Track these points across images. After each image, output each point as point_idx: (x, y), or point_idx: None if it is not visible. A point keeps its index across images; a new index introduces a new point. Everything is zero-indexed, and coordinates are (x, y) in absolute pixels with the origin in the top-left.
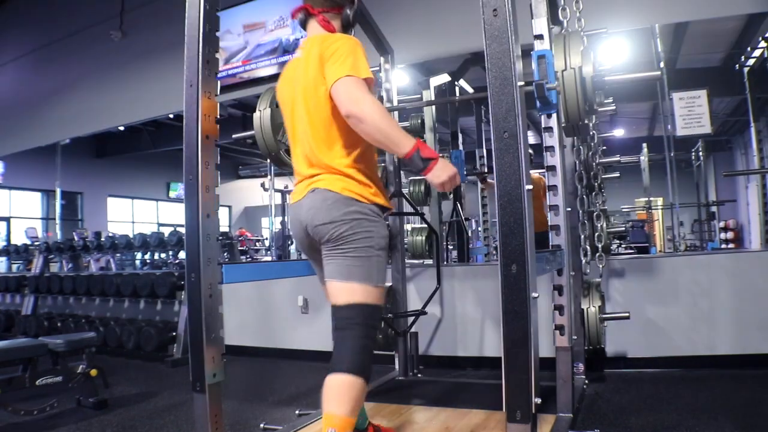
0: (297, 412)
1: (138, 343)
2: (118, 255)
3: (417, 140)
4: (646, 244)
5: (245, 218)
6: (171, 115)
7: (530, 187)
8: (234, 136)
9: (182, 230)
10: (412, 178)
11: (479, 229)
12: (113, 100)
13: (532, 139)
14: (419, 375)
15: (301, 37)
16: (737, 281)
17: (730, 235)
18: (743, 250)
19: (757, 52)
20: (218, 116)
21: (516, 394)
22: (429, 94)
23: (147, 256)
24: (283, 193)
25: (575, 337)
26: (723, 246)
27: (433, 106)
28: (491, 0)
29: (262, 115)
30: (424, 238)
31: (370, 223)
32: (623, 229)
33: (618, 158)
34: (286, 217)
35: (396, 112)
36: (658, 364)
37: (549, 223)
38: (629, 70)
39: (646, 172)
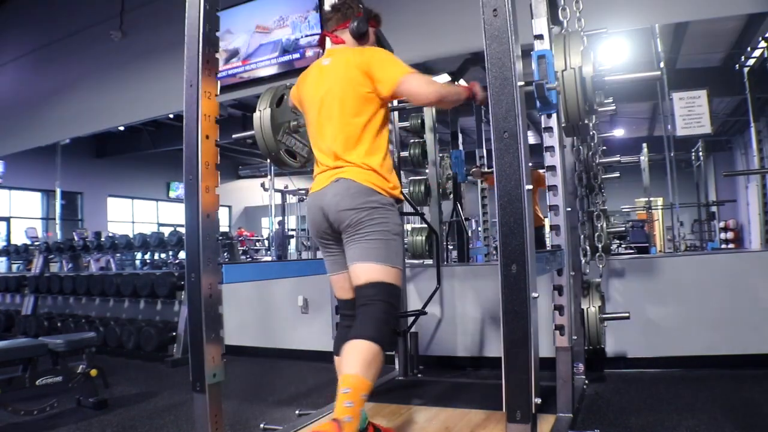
0: (297, 412)
1: (138, 343)
2: (118, 255)
3: (463, 86)
4: (646, 244)
5: (245, 218)
6: (171, 115)
7: (530, 187)
8: (234, 136)
9: (182, 230)
10: (412, 178)
11: (479, 229)
12: (113, 100)
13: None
14: (419, 375)
15: (302, 36)
16: (737, 281)
17: (730, 235)
18: (743, 250)
19: (757, 52)
20: (218, 116)
21: (516, 394)
22: None
23: (147, 256)
24: (283, 193)
25: (575, 337)
26: (723, 246)
27: (433, 106)
28: (491, 0)
29: (262, 115)
30: (424, 238)
31: (386, 211)
32: (623, 229)
33: (618, 158)
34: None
35: (396, 112)
36: (658, 364)
37: (549, 223)
38: (629, 70)
39: (646, 172)
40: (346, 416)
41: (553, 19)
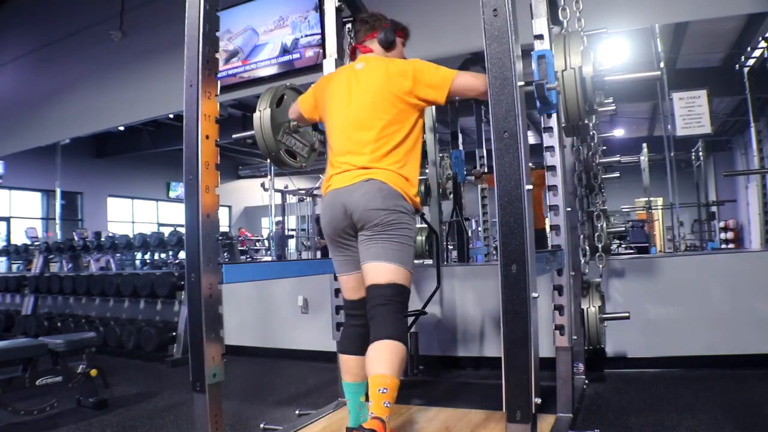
0: (297, 412)
1: (138, 343)
2: (118, 255)
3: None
4: (646, 244)
5: (245, 218)
6: (171, 115)
7: (530, 187)
8: (234, 136)
9: (182, 230)
10: None
11: (479, 229)
12: (113, 100)
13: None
14: (419, 375)
15: (302, 36)
16: (737, 281)
17: (730, 235)
18: (743, 250)
19: (757, 52)
20: (218, 116)
21: (516, 394)
22: None
23: (147, 256)
24: (283, 193)
25: (575, 337)
26: (723, 246)
27: (433, 106)
28: (491, 0)
29: (262, 115)
30: (424, 238)
31: (409, 218)
32: (623, 229)
33: (618, 158)
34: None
35: None
36: (658, 364)
37: (549, 223)
38: (629, 70)
39: (646, 172)
40: (387, 415)
41: (553, 19)
